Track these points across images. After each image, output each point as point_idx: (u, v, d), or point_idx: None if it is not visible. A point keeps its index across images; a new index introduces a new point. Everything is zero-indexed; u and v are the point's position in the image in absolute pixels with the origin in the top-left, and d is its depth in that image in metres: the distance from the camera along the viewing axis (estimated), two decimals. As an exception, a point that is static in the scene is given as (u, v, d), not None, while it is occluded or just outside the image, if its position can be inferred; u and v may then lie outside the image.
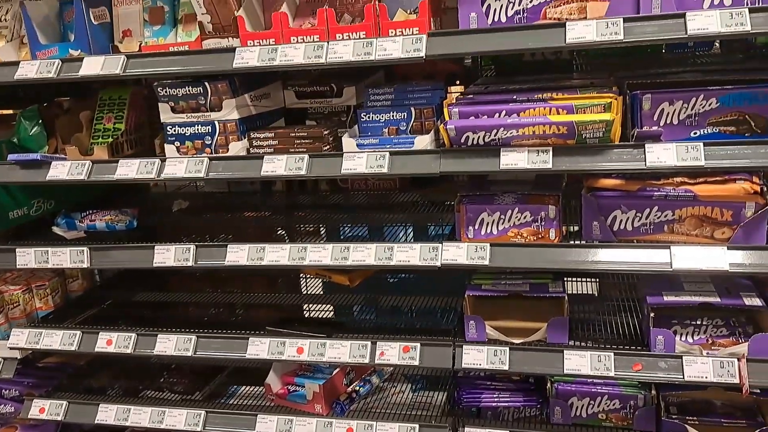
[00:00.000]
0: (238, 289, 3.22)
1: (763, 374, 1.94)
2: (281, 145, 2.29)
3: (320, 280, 3.31)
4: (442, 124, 2.01)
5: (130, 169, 2.25)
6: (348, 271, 2.69)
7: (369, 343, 2.28)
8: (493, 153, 1.98)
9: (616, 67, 2.59)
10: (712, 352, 2.03)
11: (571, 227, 2.29)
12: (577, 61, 2.79)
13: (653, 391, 2.26)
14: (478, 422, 2.37)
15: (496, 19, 1.98)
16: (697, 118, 1.90)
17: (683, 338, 2.10)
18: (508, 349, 2.17)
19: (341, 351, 2.29)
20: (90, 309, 2.93)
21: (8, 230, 2.69)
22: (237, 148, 2.31)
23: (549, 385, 2.35)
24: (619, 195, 2.05)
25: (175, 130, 2.34)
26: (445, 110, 2.05)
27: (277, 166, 2.18)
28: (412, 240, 2.87)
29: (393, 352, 2.25)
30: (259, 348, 2.33)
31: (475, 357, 2.19)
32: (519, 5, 1.95)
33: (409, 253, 2.18)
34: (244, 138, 2.33)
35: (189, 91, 2.31)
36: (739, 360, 1.95)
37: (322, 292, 3.29)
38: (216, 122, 2.30)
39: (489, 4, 1.97)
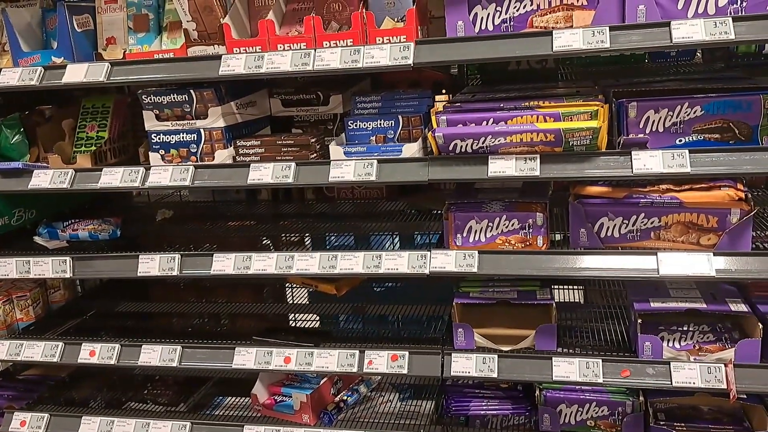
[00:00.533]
0: (222, 299, 3.19)
1: (750, 379, 1.96)
2: (268, 153, 2.27)
3: (306, 290, 3.29)
4: (430, 132, 2.01)
5: (113, 178, 2.22)
6: (334, 280, 2.68)
7: (357, 352, 2.26)
8: (481, 161, 1.98)
9: (600, 76, 2.62)
10: (699, 358, 2.04)
11: (555, 235, 2.31)
12: (562, 70, 2.81)
13: (641, 398, 2.27)
14: (469, 431, 2.36)
15: (483, 28, 1.99)
16: (682, 126, 1.92)
17: (670, 344, 2.11)
18: (496, 356, 2.17)
19: (329, 360, 2.27)
20: (72, 320, 2.88)
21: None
22: (223, 156, 2.29)
23: (537, 392, 2.35)
24: (605, 202, 2.06)
25: (159, 138, 2.31)
26: (433, 118, 2.05)
27: (264, 174, 2.16)
28: (399, 249, 2.86)
29: (381, 361, 2.23)
30: (245, 358, 2.30)
31: (464, 365, 2.18)
32: (506, 14, 1.96)
33: (397, 261, 2.17)
34: (230, 146, 2.32)
35: (174, 98, 2.28)
36: (726, 365, 1.96)
37: (308, 302, 3.27)
38: (201, 130, 2.28)
39: (476, 13, 1.98)
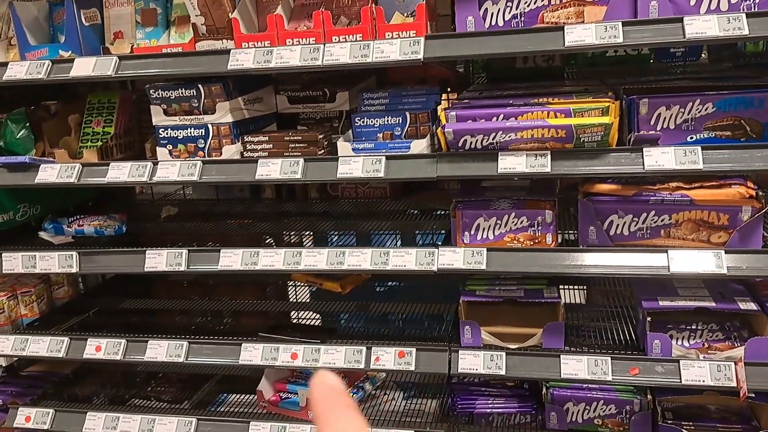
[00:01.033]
0: (226, 297, 3.18)
1: (760, 377, 1.95)
2: (275, 149, 2.26)
3: (310, 289, 3.28)
4: (440, 128, 2.00)
5: (121, 172, 2.21)
6: (339, 278, 2.67)
7: (364, 348, 2.25)
8: (491, 157, 1.98)
9: (605, 75, 2.61)
10: (708, 356, 2.03)
11: (562, 235, 2.30)
12: (568, 69, 2.80)
13: (649, 396, 2.26)
14: (474, 429, 2.35)
15: (493, 23, 1.98)
16: (693, 123, 1.92)
17: (679, 343, 2.10)
18: (504, 353, 2.16)
19: (336, 357, 2.26)
20: (76, 316, 2.87)
21: (-7, 235, 2.65)
22: (230, 151, 2.28)
23: (544, 390, 2.34)
24: (615, 200, 2.05)
25: (167, 133, 2.30)
26: (442, 114, 2.05)
27: (271, 170, 2.15)
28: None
29: (388, 357, 2.22)
30: (252, 354, 2.29)
31: (471, 362, 2.17)
32: (516, 9, 1.95)
33: (405, 258, 2.16)
34: (238, 141, 2.31)
35: (182, 93, 2.28)
36: (736, 364, 1.96)
37: (312, 300, 3.26)
38: (209, 125, 2.28)
39: (486, 8, 1.98)
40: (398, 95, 2.37)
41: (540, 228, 2.11)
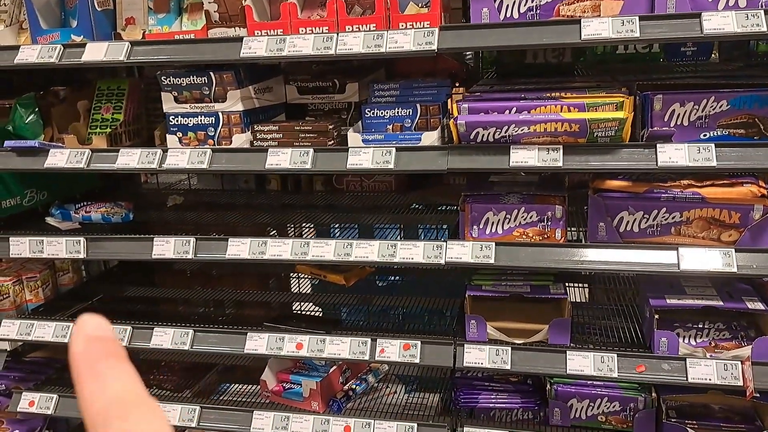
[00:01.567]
0: (228, 288, 3.18)
1: (766, 377, 1.95)
2: (285, 139, 2.26)
3: (312, 281, 3.27)
4: (451, 120, 2.00)
5: (131, 159, 2.21)
6: (343, 270, 2.67)
7: (369, 339, 2.25)
8: (503, 150, 1.97)
9: (616, 72, 2.60)
10: (715, 355, 2.03)
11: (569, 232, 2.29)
12: (578, 66, 2.80)
13: (654, 394, 2.25)
14: (477, 422, 2.35)
15: (508, 15, 1.97)
16: (707, 120, 1.91)
17: (686, 341, 2.10)
18: (510, 348, 2.16)
19: (341, 348, 2.26)
20: (81, 303, 2.87)
21: (0, 219, 2.64)
22: (240, 140, 2.28)
23: (548, 386, 2.34)
24: (626, 196, 2.05)
25: (177, 120, 2.30)
26: (454, 106, 2.04)
27: (281, 159, 2.15)
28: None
29: (393, 350, 2.22)
30: (257, 343, 2.29)
31: (477, 356, 2.17)
32: (532, 2, 1.94)
33: (412, 251, 2.16)
34: (248, 130, 2.30)
35: (193, 80, 2.27)
36: (742, 363, 1.95)
37: (315, 293, 3.25)
38: (220, 113, 2.27)
39: (501, 0, 1.97)
40: (409, 87, 2.36)
41: (550, 223, 2.11)
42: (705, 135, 1.92)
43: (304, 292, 3.30)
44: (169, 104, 2.32)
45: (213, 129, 2.28)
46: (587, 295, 2.93)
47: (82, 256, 2.32)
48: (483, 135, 1.97)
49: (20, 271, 2.77)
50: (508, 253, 2.07)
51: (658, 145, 1.84)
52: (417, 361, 2.20)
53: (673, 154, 1.80)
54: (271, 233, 3.00)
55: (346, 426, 2.31)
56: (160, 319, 2.51)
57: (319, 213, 2.85)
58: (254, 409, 2.37)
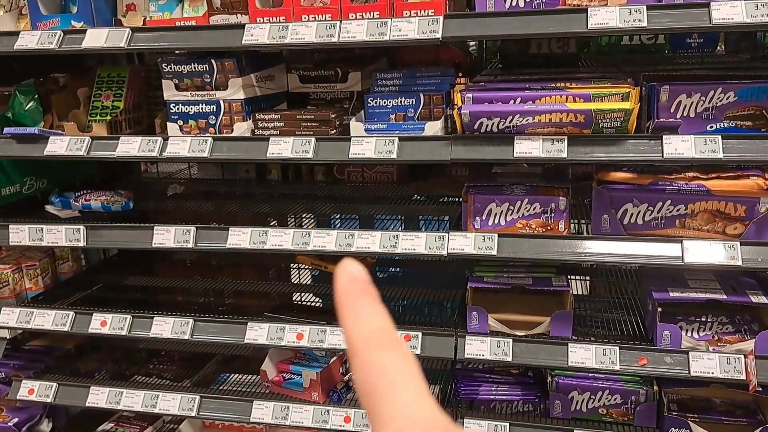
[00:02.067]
0: (228, 278, 3.17)
1: (769, 371, 1.94)
2: (287, 128, 2.24)
3: (313, 272, 3.26)
4: (455, 110, 1.98)
5: (131, 147, 2.19)
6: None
7: (371, 331, 2.23)
8: (507, 141, 1.95)
9: (621, 63, 2.58)
10: (718, 349, 2.02)
11: (572, 224, 2.28)
12: (582, 57, 2.77)
13: (655, 387, 2.25)
14: (477, 414, 2.34)
15: (513, 4, 1.95)
16: (714, 112, 1.89)
17: (689, 334, 2.09)
18: (511, 340, 2.15)
19: (341, 338, 2.24)
20: (80, 291, 2.86)
21: (0, 207, 2.62)
22: (242, 129, 2.26)
23: (549, 378, 2.33)
24: (631, 188, 2.03)
25: (178, 108, 2.28)
26: (458, 95, 2.02)
27: (283, 148, 2.13)
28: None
29: (395, 341, 2.20)
30: (257, 333, 2.28)
31: (478, 348, 2.16)
32: (538, -9, 1.92)
33: (414, 242, 2.14)
34: (249, 119, 2.28)
35: (194, 68, 2.25)
36: (745, 356, 1.94)
37: (315, 283, 3.24)
38: (221, 101, 2.25)
39: (507, -11, 1.94)
40: (412, 76, 2.34)
41: (553, 215, 2.09)
42: (711, 126, 1.91)
43: (304, 282, 3.29)
44: (169, 92, 2.29)
45: (214, 117, 2.26)
46: (589, 288, 2.91)
47: (81, 244, 2.31)
48: (487, 125, 1.95)
49: (20, 259, 2.76)
50: (511, 245, 2.06)
51: (664, 137, 1.82)
52: (418, 352, 2.19)
53: (679, 146, 1.78)
54: (272, 223, 2.98)
55: (346, 416, 2.30)
56: (160, 309, 2.50)
57: (319, 203, 2.83)
58: (254, 398, 2.37)
